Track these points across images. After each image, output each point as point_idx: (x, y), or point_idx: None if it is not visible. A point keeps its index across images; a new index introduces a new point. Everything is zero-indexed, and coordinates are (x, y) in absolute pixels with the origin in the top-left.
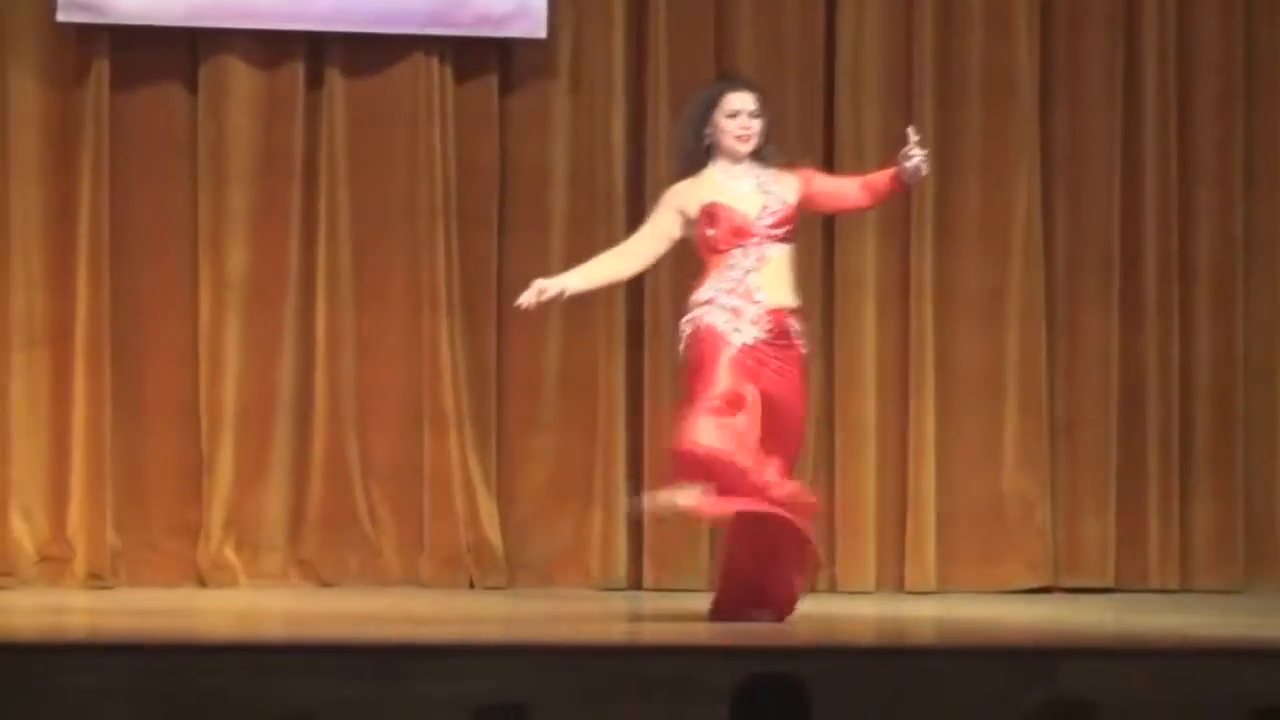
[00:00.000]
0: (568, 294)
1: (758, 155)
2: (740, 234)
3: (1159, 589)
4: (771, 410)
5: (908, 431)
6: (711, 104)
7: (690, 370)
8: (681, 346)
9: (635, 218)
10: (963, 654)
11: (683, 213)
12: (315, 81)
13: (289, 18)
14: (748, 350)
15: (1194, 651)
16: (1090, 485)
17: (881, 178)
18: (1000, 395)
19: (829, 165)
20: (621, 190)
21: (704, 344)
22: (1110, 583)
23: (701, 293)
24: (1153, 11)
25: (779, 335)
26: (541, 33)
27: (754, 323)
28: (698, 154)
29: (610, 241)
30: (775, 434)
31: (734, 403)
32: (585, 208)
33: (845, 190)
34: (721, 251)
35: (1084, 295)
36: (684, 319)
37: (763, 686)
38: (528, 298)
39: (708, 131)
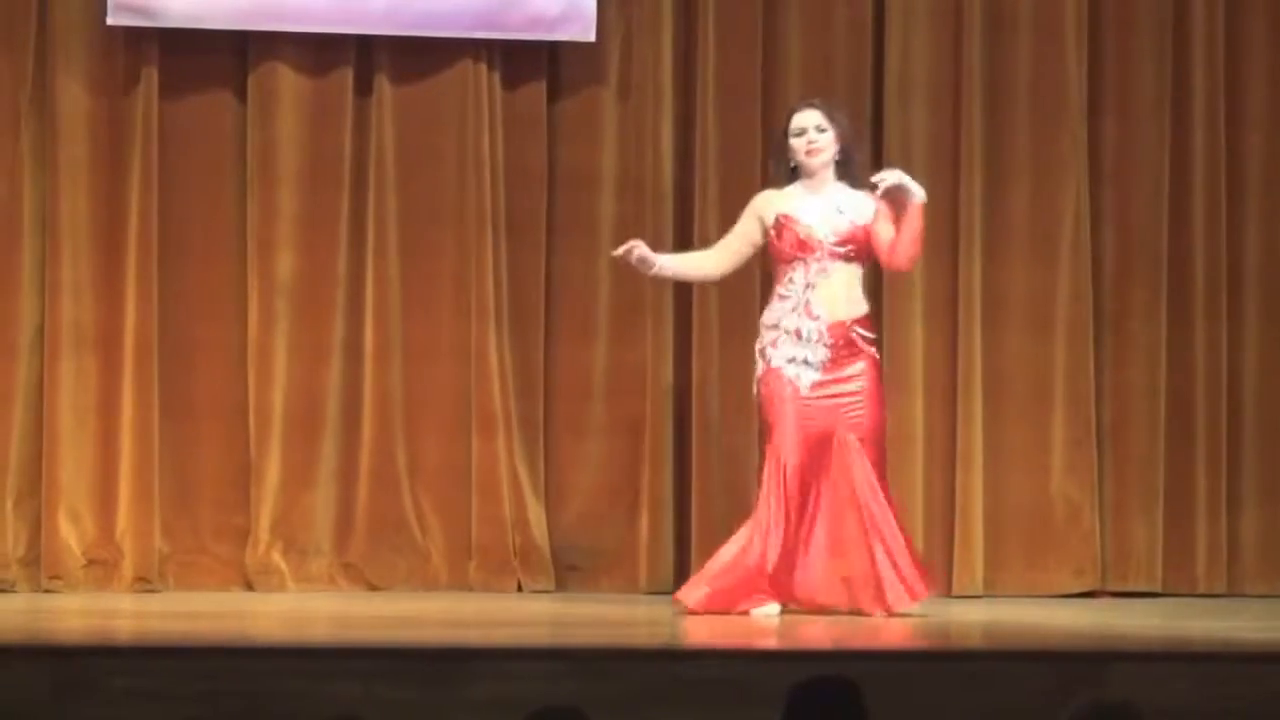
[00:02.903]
0: (655, 270)
1: (845, 173)
2: (804, 248)
3: (1206, 593)
4: (840, 444)
5: (955, 437)
6: (784, 127)
7: (761, 421)
8: (755, 382)
9: (683, 223)
10: (1010, 657)
11: (761, 219)
12: (364, 87)
13: (339, 20)
14: (808, 400)
15: (1241, 656)
16: (1137, 490)
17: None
18: (1048, 401)
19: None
20: (669, 195)
21: (772, 399)
22: (1157, 587)
23: (769, 315)
24: (1201, 18)
25: (842, 347)
26: (591, 36)
27: (817, 341)
28: (785, 176)
29: (658, 246)
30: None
31: (799, 510)
32: (633, 213)
33: (883, 239)
34: (786, 263)
35: (1132, 301)
36: (757, 344)
37: (819, 690)
38: (621, 250)
39: (789, 154)
